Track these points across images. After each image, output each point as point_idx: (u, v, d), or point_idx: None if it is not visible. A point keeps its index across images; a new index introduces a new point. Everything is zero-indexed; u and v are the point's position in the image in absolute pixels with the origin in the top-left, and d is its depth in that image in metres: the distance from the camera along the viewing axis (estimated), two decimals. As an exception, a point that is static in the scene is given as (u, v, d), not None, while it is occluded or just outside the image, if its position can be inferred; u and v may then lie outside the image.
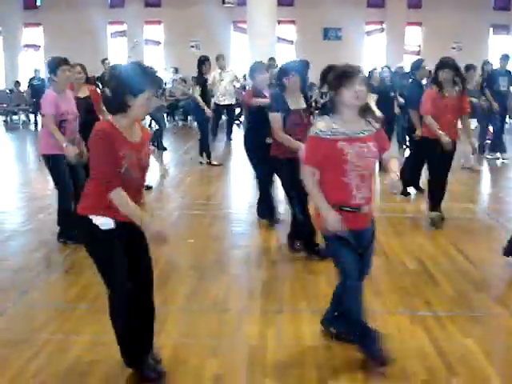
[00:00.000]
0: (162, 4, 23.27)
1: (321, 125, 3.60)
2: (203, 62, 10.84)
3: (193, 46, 22.26)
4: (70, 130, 6.05)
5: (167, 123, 17.02)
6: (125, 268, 3.44)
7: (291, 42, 23.01)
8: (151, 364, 3.62)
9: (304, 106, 5.74)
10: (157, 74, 3.43)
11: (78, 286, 5.17)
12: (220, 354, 3.94)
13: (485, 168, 11.12)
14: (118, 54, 22.63)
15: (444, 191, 6.96)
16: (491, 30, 22.88)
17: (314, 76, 12.54)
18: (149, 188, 8.50)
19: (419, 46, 22.95)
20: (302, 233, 5.85)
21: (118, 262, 3.42)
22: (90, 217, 3.35)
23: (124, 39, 23.67)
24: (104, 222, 3.34)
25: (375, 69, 11.12)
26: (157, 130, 12.73)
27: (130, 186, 3.33)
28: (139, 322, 3.56)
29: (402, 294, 4.92)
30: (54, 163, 6.07)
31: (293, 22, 22.70)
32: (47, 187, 8.16)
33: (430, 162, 7.03)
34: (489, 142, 12.16)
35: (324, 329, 4.13)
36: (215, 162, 11.04)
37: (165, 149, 12.84)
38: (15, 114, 19.94)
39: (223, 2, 18.95)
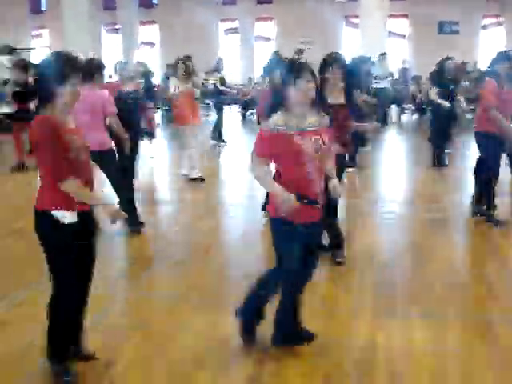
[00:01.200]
0: (274, 0, 23.40)
1: (275, 119, 3.59)
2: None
3: (303, 42, 22.19)
4: None
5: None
6: (77, 268, 3.49)
7: (403, 36, 22.47)
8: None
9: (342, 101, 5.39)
10: (79, 61, 3.49)
11: (187, 277, 5.31)
12: (329, 354, 3.90)
13: None
14: (230, 50, 22.99)
15: None
16: None
17: (427, 71, 12.31)
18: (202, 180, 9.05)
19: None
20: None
21: (74, 262, 3.45)
22: (52, 212, 3.35)
23: (236, 36, 24.02)
24: (64, 215, 3.35)
25: (449, 59, 10.41)
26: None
27: (82, 170, 3.39)
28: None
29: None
30: None
31: (405, 15, 22.16)
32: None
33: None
34: None
35: None
36: None
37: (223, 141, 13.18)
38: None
39: (335, -3, 18.83)
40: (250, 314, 3.98)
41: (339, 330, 4.25)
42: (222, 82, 14.10)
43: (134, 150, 6.68)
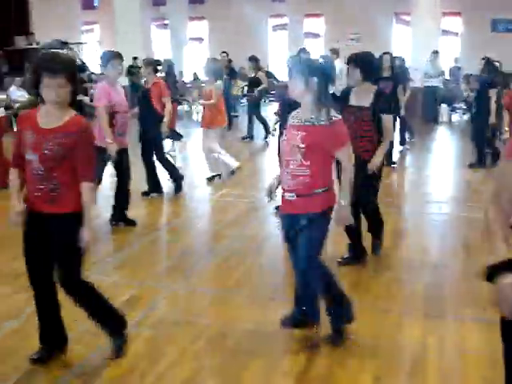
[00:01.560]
0: (324, -3, 23.26)
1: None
2: None
3: (353, 39, 22.03)
4: (121, 122, 6.27)
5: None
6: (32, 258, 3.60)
7: (456, 34, 22.06)
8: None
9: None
10: (51, 59, 3.40)
11: (238, 272, 5.30)
12: (380, 355, 3.85)
13: None
14: (278, 46, 22.94)
15: None
16: None
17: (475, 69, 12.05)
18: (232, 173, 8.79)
19: None
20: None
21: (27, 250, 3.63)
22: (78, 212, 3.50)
23: (284, 32, 23.96)
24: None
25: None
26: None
27: (28, 168, 3.44)
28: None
29: None
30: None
31: (458, 13, 21.72)
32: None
33: None
34: None
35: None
36: None
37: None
38: (180, 103, 20.83)
39: (386, -6, 18.58)
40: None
41: (391, 330, 4.19)
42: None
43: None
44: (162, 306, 4.64)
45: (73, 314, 3.84)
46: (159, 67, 9.05)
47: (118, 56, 6.46)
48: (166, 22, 25.44)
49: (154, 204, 7.88)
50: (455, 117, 17.78)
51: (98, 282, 4.93)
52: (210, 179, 8.93)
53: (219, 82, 8.71)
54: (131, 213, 6.74)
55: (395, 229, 6.63)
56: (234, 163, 8.80)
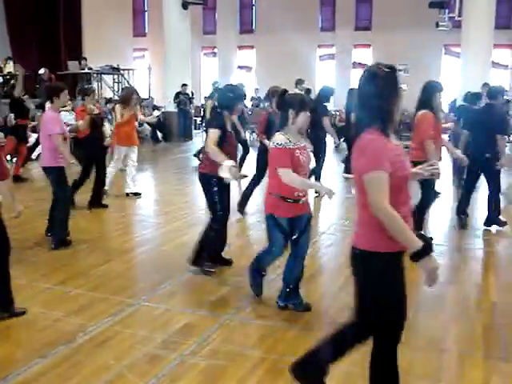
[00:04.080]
0: (373, 28, 23.31)
1: (279, 138, 4.73)
2: None
3: (401, 70, 21.95)
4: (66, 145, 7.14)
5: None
6: None
7: (506, 66, 21.81)
8: None
9: None
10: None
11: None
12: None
13: None
14: (325, 76, 23.00)
15: None
16: None
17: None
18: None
19: None
20: (211, 249, 6.12)
21: None
22: None
23: (332, 62, 24.05)
24: None
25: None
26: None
27: None
28: None
29: None
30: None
31: (510, 45, 21.51)
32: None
33: None
34: None
35: (279, 307, 5.08)
36: None
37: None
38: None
39: (437, 26, 18.45)
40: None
41: (450, 373, 4.06)
42: None
43: None
44: (216, 336, 4.58)
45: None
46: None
47: (66, 87, 7.13)
48: (215, 50, 25.79)
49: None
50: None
51: (151, 310, 4.97)
52: None
53: None
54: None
55: (448, 264, 6.51)
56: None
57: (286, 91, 4.95)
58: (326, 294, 5.59)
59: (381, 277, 3.04)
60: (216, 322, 4.83)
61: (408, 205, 3.08)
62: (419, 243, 2.86)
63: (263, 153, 7.47)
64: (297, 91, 15.57)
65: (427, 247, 2.87)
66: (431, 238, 3.21)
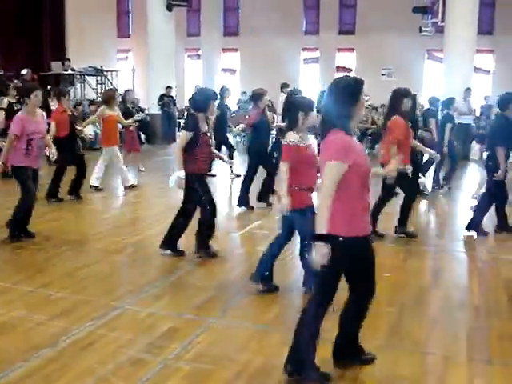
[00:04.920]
0: (356, 32, 23.42)
1: (292, 136, 5.09)
2: None
3: (384, 74, 22.10)
4: (37, 147, 7.10)
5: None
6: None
7: (488, 71, 22.02)
8: None
9: None
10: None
11: (277, 308, 5.24)
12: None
13: None
14: (309, 79, 23.07)
15: None
16: None
17: None
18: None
19: None
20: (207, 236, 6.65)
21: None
22: None
23: (316, 65, 24.12)
24: None
25: None
26: None
27: None
28: None
29: None
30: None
31: (491, 51, 21.71)
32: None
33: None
34: None
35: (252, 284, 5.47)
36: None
37: None
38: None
39: (420, 31, 18.57)
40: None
41: (433, 375, 4.09)
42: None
43: None
44: (201, 340, 4.57)
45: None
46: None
47: (38, 88, 7.37)
48: (199, 52, 25.75)
49: (187, 234, 7.88)
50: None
51: (135, 313, 4.95)
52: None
53: None
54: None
55: (432, 266, 6.57)
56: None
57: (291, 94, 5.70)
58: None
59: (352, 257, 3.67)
60: (201, 325, 4.82)
61: (369, 197, 3.73)
62: (323, 230, 3.47)
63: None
64: (283, 95, 15.94)
65: (324, 237, 3.47)
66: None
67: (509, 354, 4.42)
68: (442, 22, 17.62)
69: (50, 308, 5.08)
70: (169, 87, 19.34)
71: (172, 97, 19.80)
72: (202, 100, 6.32)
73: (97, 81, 21.37)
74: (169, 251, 6.68)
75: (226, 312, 5.15)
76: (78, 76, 20.33)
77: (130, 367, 4.04)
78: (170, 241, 6.69)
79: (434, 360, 4.31)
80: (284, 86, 15.93)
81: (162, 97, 19.35)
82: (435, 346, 4.55)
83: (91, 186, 10.64)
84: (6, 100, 12.22)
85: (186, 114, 22.07)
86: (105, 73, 21.41)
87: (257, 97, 9.07)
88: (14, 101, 12.02)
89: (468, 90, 15.83)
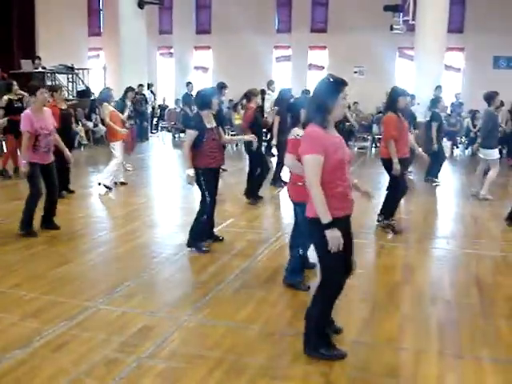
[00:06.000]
0: (328, 30, 23.50)
1: (298, 131, 5.21)
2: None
3: (356, 72, 22.23)
4: (44, 142, 7.31)
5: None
6: None
7: (459, 69, 22.27)
8: None
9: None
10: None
11: (250, 306, 5.24)
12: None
13: None
14: (281, 77, 23.10)
15: None
16: None
17: (480, 105, 12.10)
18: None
19: None
20: (204, 231, 6.98)
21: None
22: None
23: (288, 63, 24.18)
24: None
25: None
26: None
27: None
28: None
29: None
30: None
31: (461, 49, 21.96)
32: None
33: None
34: None
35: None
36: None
37: None
38: (183, 131, 20.91)
39: (391, 29, 18.70)
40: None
41: (406, 370, 4.13)
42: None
43: None
44: (174, 338, 4.56)
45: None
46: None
47: (43, 86, 7.58)
48: (171, 50, 25.64)
49: (160, 232, 7.87)
50: (457, 151, 17.89)
51: (108, 312, 4.93)
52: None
53: None
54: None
55: (404, 262, 6.64)
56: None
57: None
58: (285, 294, 5.61)
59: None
60: (174, 323, 4.81)
61: (347, 182, 4.00)
62: (329, 218, 3.80)
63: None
64: (270, 92, 16.22)
65: (332, 223, 3.79)
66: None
67: (480, 347, 4.49)
68: (413, 20, 17.80)
69: (22, 309, 5.02)
70: (141, 85, 19.22)
71: (144, 95, 19.67)
72: (204, 98, 6.71)
73: (68, 79, 21.14)
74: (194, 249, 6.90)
75: (198, 310, 5.14)
76: (49, 74, 20.07)
77: (103, 367, 4.02)
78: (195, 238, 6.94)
79: (406, 354, 4.35)
80: (270, 83, 16.84)
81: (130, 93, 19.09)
82: (407, 341, 4.60)
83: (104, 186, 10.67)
84: (5, 98, 11.74)
85: (166, 111, 22.15)
86: (76, 71, 21.19)
87: (251, 95, 9.97)
88: (16, 98, 11.67)
89: (438, 87, 15.98)
